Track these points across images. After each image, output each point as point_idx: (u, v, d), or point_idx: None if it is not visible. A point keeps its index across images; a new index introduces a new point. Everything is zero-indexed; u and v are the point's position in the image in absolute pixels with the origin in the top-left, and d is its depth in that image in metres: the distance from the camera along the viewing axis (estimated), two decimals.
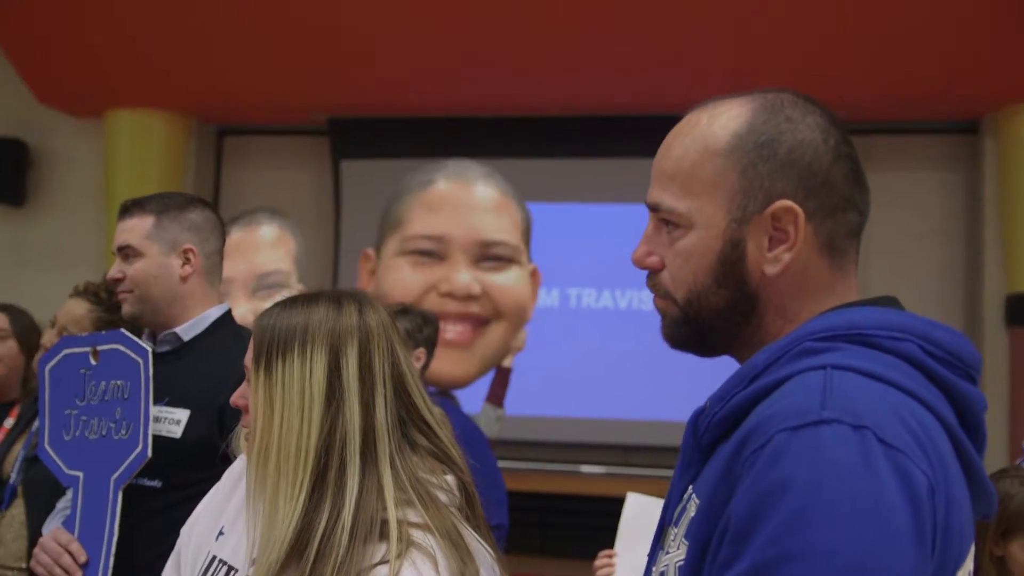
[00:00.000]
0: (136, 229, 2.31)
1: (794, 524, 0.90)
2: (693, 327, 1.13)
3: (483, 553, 1.37)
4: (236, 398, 1.50)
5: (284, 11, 6.73)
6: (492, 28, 6.56)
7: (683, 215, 1.09)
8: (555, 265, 6.85)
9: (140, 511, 2.08)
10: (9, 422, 3.20)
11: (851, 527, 0.89)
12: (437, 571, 1.28)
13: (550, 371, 6.90)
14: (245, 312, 3.73)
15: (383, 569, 1.27)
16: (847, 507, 0.90)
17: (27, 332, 3.35)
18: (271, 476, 1.37)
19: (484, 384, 4.70)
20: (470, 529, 1.39)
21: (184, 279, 2.32)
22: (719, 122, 1.08)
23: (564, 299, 7.47)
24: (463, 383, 4.16)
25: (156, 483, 2.11)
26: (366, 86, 7.52)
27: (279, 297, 3.09)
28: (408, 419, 1.43)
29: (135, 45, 7.36)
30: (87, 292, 2.96)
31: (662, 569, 1.07)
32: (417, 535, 1.31)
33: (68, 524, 2.28)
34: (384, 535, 1.31)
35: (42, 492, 2.57)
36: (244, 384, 1.47)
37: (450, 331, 4.17)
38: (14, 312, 3.39)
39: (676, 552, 1.05)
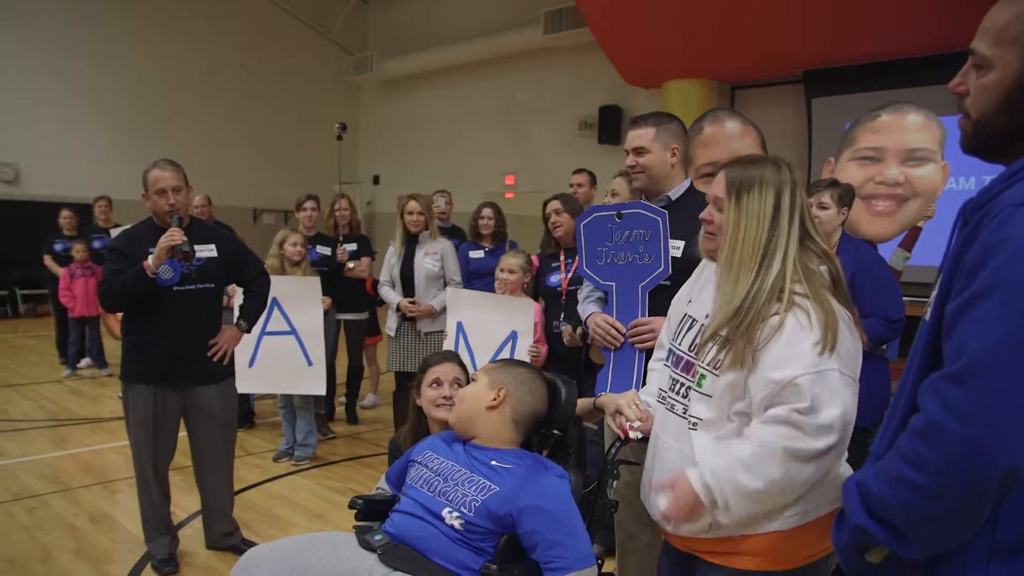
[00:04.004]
0: (644, 136, 2.55)
1: (1010, 263, 0.94)
2: (980, 140, 1.14)
3: (843, 312, 1.54)
4: (704, 215, 1.71)
5: (771, 2, 7.67)
6: None
7: (988, 59, 1.10)
8: (972, 159, 6.91)
9: (659, 296, 2.35)
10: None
11: None
12: (809, 320, 1.49)
13: None
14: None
15: (776, 318, 1.51)
16: None
17: (575, 209, 3.87)
18: (735, 265, 1.59)
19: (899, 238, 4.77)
20: (835, 299, 1.55)
21: (672, 166, 2.57)
22: None
23: (979, 183, 7.82)
24: (888, 239, 4.03)
25: (668, 283, 2.35)
26: (827, 46, 8.19)
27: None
28: (806, 234, 1.61)
29: (682, 38, 8.62)
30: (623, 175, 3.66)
31: (929, 301, 1.13)
32: (799, 299, 1.52)
33: (607, 312, 2.57)
34: (780, 298, 1.52)
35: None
36: (708, 208, 1.69)
37: (881, 205, 4.03)
38: (565, 197, 4.03)
39: (934, 291, 1.12)
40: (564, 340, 3.52)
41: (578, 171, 5.15)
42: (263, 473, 4.46)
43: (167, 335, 3.08)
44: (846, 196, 3.25)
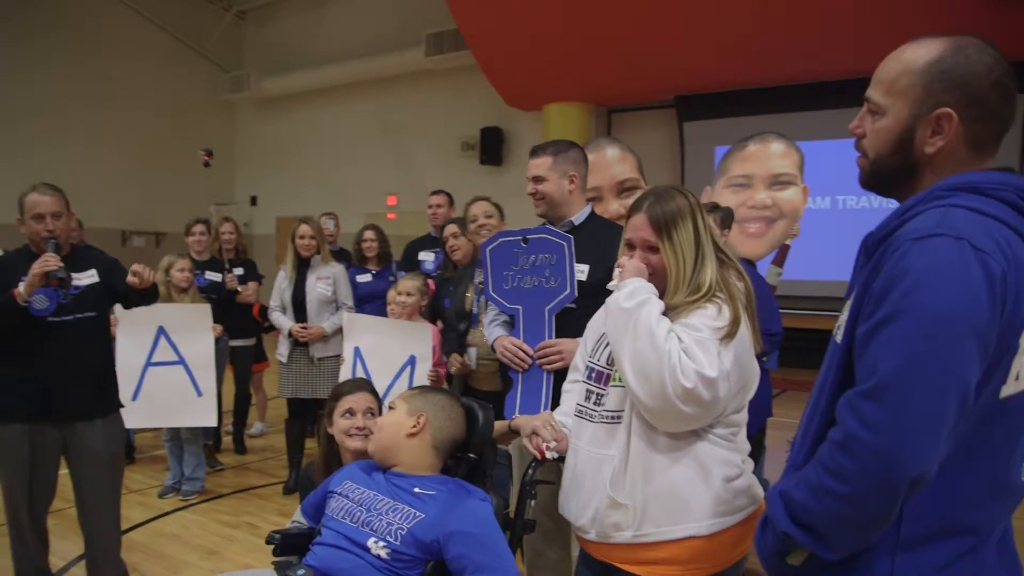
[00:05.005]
0: (542, 165, 2.61)
1: (910, 292, 1.06)
2: (876, 177, 1.27)
3: (746, 318, 1.70)
4: (639, 261, 1.76)
5: (645, 33, 8.01)
6: (783, 24, 7.44)
7: (882, 106, 1.22)
8: (828, 181, 7.62)
9: (565, 319, 2.49)
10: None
11: (946, 294, 1.04)
12: (719, 312, 1.66)
13: (822, 250, 7.52)
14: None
15: (697, 306, 1.67)
16: (945, 283, 1.04)
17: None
18: (672, 287, 1.72)
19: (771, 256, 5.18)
20: (745, 308, 1.71)
21: (570, 192, 2.63)
22: (920, 52, 1.19)
23: (834, 203, 8.56)
24: (760, 257, 4.48)
25: (574, 306, 2.46)
26: (697, 74, 8.66)
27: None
28: (718, 249, 1.75)
29: (560, 63, 8.86)
30: (488, 199, 3.56)
31: (839, 324, 1.23)
32: (715, 299, 1.68)
33: (514, 335, 2.60)
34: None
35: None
36: (639, 254, 1.76)
37: (752, 227, 4.54)
38: (463, 222, 3.94)
39: (844, 314, 1.22)
40: (451, 370, 3.48)
41: (436, 192, 5.22)
42: (148, 511, 4.22)
43: (44, 369, 2.85)
44: (727, 219, 3.45)
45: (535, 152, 2.65)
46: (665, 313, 1.67)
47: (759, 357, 3.17)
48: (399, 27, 11.19)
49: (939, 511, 1.11)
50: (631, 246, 1.78)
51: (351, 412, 2.22)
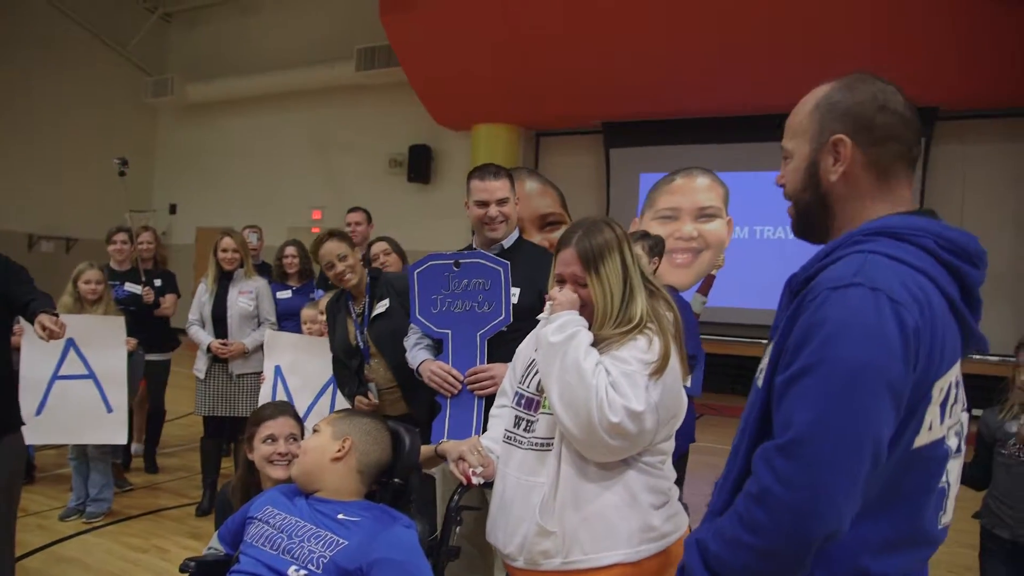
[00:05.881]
0: (505, 187, 2.60)
1: (826, 343, 1.06)
2: (801, 219, 1.31)
3: (675, 349, 1.72)
4: (569, 288, 1.78)
5: (575, 60, 8.19)
6: (708, 59, 7.75)
7: (790, 150, 1.30)
8: (746, 212, 7.80)
9: (495, 342, 2.48)
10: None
11: (861, 347, 1.05)
12: (650, 345, 1.68)
13: (741, 279, 7.75)
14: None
15: (628, 338, 1.69)
16: (860, 335, 1.05)
17: (401, 250, 4.02)
18: (599, 320, 1.74)
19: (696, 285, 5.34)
20: (676, 345, 1.73)
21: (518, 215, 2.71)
22: (814, 95, 1.28)
23: (752, 233, 8.83)
24: (686, 287, 4.44)
25: (505, 329, 2.45)
26: (624, 102, 8.83)
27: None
28: (647, 280, 1.78)
29: (491, 85, 8.97)
30: (334, 236, 3.12)
31: (760, 368, 1.24)
32: (647, 331, 1.70)
33: (441, 359, 2.57)
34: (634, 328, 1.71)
35: (387, 342, 2.95)
36: (569, 287, 1.77)
37: (679, 258, 4.50)
38: (391, 240, 4.05)
39: (765, 358, 1.22)
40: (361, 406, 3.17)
41: (353, 209, 5.17)
42: (48, 535, 3.96)
43: None
44: (656, 247, 3.47)
45: (493, 174, 2.59)
46: (595, 344, 1.69)
47: None
48: (330, 40, 11.07)
49: (849, 559, 1.12)
50: (562, 280, 1.79)
51: (272, 438, 2.15)
